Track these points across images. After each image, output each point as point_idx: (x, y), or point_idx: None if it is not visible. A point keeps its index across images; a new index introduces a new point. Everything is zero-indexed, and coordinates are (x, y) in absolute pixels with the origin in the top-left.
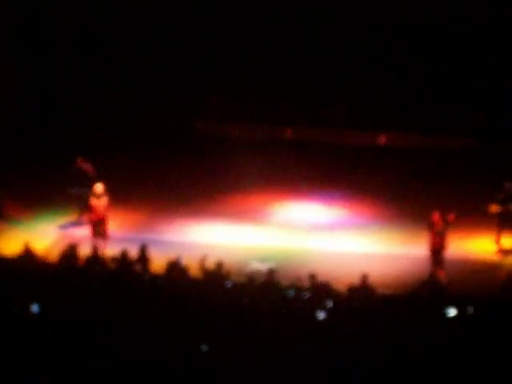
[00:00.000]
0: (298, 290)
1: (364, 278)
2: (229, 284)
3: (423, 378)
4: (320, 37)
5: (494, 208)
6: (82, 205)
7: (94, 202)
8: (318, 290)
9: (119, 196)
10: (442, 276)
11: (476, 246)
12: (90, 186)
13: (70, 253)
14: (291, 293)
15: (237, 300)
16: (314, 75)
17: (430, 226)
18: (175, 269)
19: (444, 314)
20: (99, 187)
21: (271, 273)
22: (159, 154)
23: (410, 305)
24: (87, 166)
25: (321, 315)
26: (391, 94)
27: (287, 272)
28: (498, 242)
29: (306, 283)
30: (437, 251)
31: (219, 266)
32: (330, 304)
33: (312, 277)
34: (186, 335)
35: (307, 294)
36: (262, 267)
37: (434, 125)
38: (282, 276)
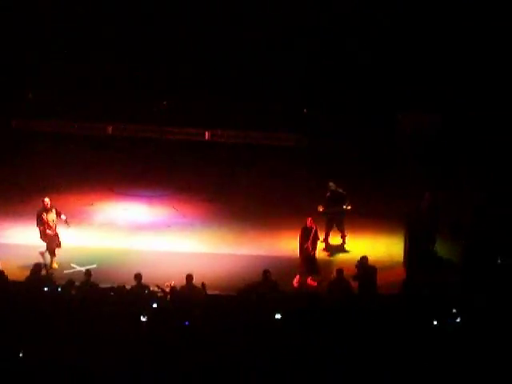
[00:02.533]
0: (121, 291)
1: (189, 278)
2: (48, 287)
3: (250, 375)
4: (145, 31)
5: (321, 208)
6: None
7: (45, 216)
8: (143, 290)
9: None
10: (312, 281)
11: None
12: None
13: None
14: (113, 295)
15: (58, 302)
16: (136, 69)
17: (304, 232)
18: None
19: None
20: (47, 201)
21: (89, 274)
22: None
23: (239, 305)
24: None
25: (144, 318)
26: (216, 91)
27: (109, 273)
28: (326, 239)
29: (130, 284)
30: (309, 256)
31: (38, 268)
32: (154, 305)
33: (136, 277)
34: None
35: (131, 296)
36: (83, 269)
37: (263, 121)
38: (104, 277)
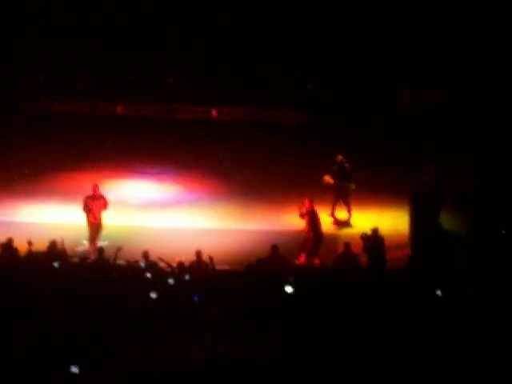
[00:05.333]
0: (134, 268)
1: (198, 254)
2: (57, 264)
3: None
4: (147, 9)
5: (328, 179)
6: None
7: (91, 203)
8: (153, 268)
9: None
10: (317, 261)
11: None
12: None
13: None
14: (127, 272)
15: (67, 280)
16: (142, 49)
17: (305, 214)
18: (7, 250)
19: (282, 290)
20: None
21: (101, 252)
22: None
23: (248, 279)
24: None
25: (153, 295)
26: (222, 68)
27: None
28: (332, 214)
29: (141, 261)
30: (314, 238)
31: (51, 246)
32: (170, 282)
33: (145, 255)
34: (14, 319)
35: (144, 273)
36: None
37: (267, 98)
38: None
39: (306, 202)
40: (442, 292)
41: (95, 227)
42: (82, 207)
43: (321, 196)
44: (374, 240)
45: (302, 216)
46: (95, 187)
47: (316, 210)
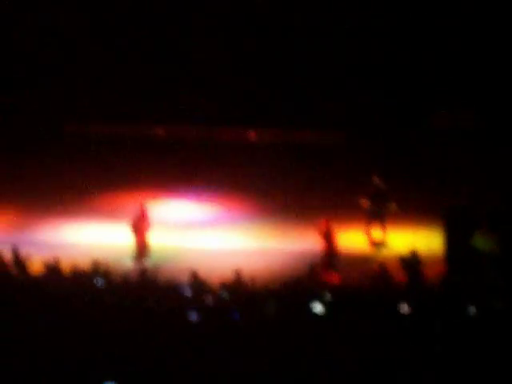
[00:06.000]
0: (177, 288)
1: (237, 274)
2: (99, 283)
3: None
4: (185, 33)
5: (365, 203)
6: None
7: (139, 223)
8: (197, 287)
9: None
10: (335, 278)
11: (348, 239)
12: None
13: None
14: (169, 292)
15: (110, 299)
16: (182, 72)
17: (321, 234)
18: (52, 270)
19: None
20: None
21: (144, 271)
22: (30, 156)
23: (282, 298)
24: None
25: (193, 316)
26: (259, 90)
27: (163, 270)
28: (368, 234)
29: (186, 281)
30: (330, 255)
31: (95, 265)
32: (208, 300)
33: (193, 274)
34: (58, 337)
35: (187, 292)
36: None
37: (305, 120)
38: (159, 274)
39: (324, 221)
40: (476, 309)
41: (141, 247)
42: (130, 227)
43: (354, 216)
44: (412, 262)
45: (320, 235)
46: (143, 206)
47: (333, 230)
